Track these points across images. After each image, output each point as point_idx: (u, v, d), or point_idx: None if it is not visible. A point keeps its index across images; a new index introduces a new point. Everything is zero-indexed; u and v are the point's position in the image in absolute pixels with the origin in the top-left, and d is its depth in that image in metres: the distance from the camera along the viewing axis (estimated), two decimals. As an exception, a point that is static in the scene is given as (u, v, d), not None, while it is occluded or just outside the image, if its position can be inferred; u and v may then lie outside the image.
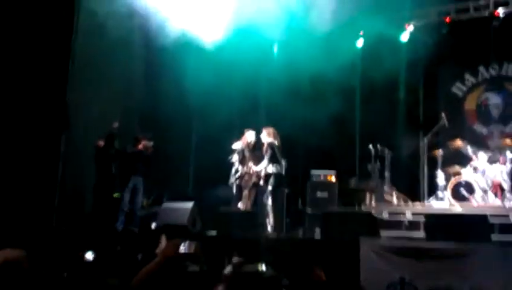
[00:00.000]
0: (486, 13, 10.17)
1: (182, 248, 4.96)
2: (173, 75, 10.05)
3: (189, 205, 8.52)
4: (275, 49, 11.06)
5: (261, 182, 8.57)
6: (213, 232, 8.22)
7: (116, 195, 9.05)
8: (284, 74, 10.39)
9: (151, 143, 9.12)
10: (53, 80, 8.77)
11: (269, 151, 8.50)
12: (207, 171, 9.89)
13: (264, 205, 8.48)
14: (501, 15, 10.00)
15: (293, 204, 9.75)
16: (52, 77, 8.76)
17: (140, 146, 9.12)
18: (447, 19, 10.59)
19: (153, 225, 8.52)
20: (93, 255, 7.09)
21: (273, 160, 8.48)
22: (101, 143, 8.98)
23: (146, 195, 9.49)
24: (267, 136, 8.59)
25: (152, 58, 10.65)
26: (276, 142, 8.57)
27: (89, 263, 7.02)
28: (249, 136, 8.87)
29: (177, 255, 4.22)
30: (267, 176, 8.50)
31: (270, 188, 8.50)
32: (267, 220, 8.48)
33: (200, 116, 10.89)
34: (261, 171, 8.59)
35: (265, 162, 8.49)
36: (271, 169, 8.49)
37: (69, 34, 8.92)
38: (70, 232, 8.36)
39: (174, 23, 9.03)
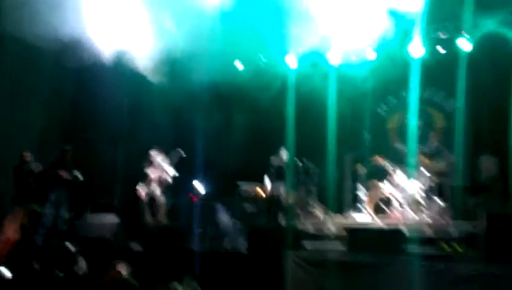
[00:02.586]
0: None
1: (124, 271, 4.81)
2: (101, 90, 9.91)
3: (114, 218, 8.33)
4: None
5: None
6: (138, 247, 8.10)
7: (35, 207, 8.69)
8: (211, 94, 10.52)
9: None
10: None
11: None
12: (134, 184, 9.75)
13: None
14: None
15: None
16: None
17: (66, 158, 8.85)
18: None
19: (69, 245, 8.19)
20: (9, 273, 6.74)
21: None
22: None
23: (69, 208, 9.17)
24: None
25: (79, 73, 10.46)
26: None
27: (5, 280, 6.66)
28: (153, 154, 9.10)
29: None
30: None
31: None
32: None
33: (127, 130, 10.79)
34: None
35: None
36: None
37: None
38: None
39: (105, 40, 8.97)
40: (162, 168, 9.10)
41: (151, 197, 8.99)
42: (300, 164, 10.15)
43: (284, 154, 9.02)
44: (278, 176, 9.14)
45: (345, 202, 10.15)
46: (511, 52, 9.96)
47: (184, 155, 9.04)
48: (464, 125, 10.82)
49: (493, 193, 9.84)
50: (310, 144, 10.11)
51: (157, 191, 9.03)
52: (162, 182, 9.06)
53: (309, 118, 11.21)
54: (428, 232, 8.66)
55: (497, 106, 10.50)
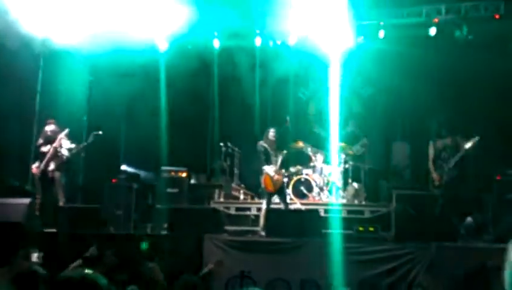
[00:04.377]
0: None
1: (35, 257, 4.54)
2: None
3: (26, 201, 7.91)
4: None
5: None
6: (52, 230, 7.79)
7: None
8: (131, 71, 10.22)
9: None
10: None
11: None
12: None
13: None
14: None
15: (143, 200, 9.67)
16: None
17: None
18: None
19: None
20: None
21: None
22: None
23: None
24: None
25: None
26: None
27: None
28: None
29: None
30: None
31: None
32: None
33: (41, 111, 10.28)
34: None
35: None
36: None
37: None
38: None
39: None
40: (58, 142, 8.48)
41: (46, 174, 8.44)
42: (224, 148, 10.19)
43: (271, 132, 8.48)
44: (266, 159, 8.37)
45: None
46: (415, 42, 10.48)
47: (100, 133, 8.60)
48: (379, 112, 11.34)
49: (404, 177, 10.46)
50: (234, 128, 10.17)
51: (53, 167, 8.42)
52: (59, 158, 8.48)
53: (232, 101, 11.25)
54: (344, 213, 9.06)
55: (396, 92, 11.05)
